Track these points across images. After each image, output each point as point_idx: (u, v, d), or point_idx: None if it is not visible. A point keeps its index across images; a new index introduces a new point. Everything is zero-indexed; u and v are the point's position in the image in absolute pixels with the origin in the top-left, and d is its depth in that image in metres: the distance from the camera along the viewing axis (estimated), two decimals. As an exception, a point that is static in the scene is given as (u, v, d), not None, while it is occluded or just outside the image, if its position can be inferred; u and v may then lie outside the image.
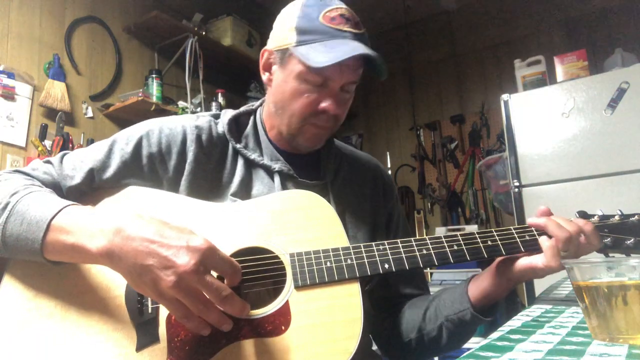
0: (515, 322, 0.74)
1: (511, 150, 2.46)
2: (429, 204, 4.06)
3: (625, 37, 3.33)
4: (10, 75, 2.29)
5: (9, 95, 2.28)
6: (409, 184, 4.19)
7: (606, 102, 2.27)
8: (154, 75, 2.87)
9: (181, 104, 2.93)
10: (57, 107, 2.45)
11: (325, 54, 0.82)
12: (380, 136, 4.40)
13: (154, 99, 2.78)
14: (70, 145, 2.48)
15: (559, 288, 1.17)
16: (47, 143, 2.38)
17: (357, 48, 0.83)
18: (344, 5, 0.88)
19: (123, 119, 2.76)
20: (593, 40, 3.44)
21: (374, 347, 0.99)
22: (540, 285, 2.23)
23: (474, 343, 0.64)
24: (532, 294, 2.29)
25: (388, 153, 4.33)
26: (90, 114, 2.67)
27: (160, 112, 2.70)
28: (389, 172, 4.23)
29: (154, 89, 2.84)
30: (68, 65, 2.59)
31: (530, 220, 0.79)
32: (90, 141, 2.58)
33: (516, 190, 2.41)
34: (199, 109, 2.99)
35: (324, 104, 0.87)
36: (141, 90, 2.74)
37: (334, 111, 0.87)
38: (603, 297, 0.56)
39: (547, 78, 2.59)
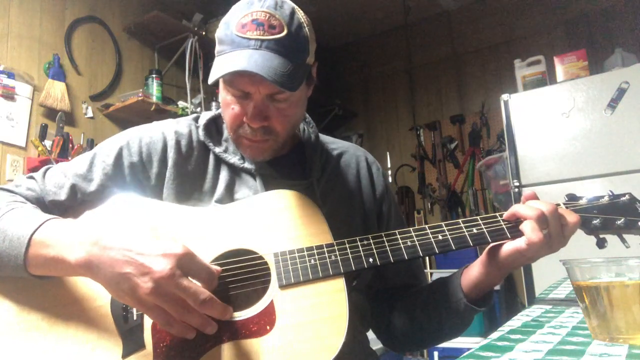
0: (515, 322, 0.74)
1: (511, 150, 2.46)
2: (429, 204, 4.06)
3: (625, 37, 3.33)
4: (10, 75, 2.29)
5: (9, 95, 2.28)
6: (409, 184, 4.19)
7: (606, 102, 2.27)
8: (154, 75, 2.87)
9: (181, 104, 2.93)
10: (57, 107, 2.45)
11: (218, 69, 0.79)
12: (380, 136, 4.40)
13: (154, 99, 2.78)
14: (71, 145, 2.48)
15: (559, 288, 1.17)
16: (47, 143, 2.38)
17: (244, 63, 0.76)
18: (264, 8, 0.80)
19: (123, 119, 2.76)
20: (593, 40, 3.44)
21: (375, 347, 0.99)
22: (540, 285, 2.23)
23: (474, 343, 0.64)
24: (532, 294, 2.29)
25: (388, 153, 4.33)
26: (90, 114, 2.67)
27: (160, 112, 2.70)
28: (389, 172, 4.24)
29: (154, 89, 2.84)
30: (68, 65, 2.59)
31: (505, 213, 0.78)
32: (90, 141, 2.58)
33: (516, 190, 2.41)
34: (199, 109, 3.00)
35: (245, 117, 0.83)
36: (141, 90, 2.74)
37: (251, 123, 0.82)
38: (603, 297, 0.56)
39: (547, 78, 2.59)
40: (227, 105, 0.85)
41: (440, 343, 0.97)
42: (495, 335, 0.64)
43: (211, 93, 3.19)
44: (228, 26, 0.82)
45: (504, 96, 2.52)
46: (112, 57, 2.85)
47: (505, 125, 2.50)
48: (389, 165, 4.30)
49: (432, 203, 4.05)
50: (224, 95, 0.85)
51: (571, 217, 0.74)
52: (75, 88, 2.62)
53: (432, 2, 3.98)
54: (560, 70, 2.53)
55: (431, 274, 3.22)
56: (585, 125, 2.31)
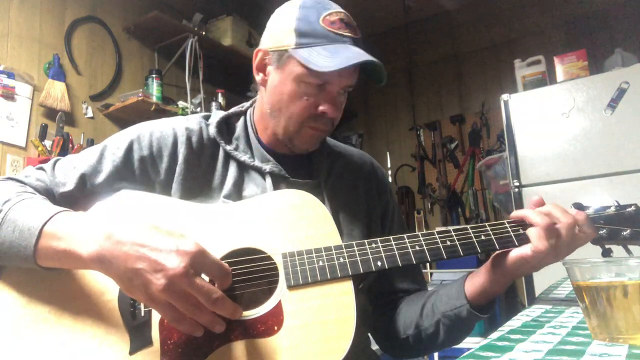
0: (515, 322, 0.74)
1: (511, 150, 2.46)
2: (429, 204, 4.06)
3: (625, 37, 3.33)
4: (10, 75, 2.29)
5: (9, 95, 2.28)
6: (409, 184, 4.19)
7: (606, 102, 2.27)
8: (154, 75, 2.87)
9: (181, 104, 2.93)
10: (57, 107, 2.45)
11: (329, 59, 0.82)
12: (380, 136, 4.40)
13: (154, 99, 2.78)
14: (71, 145, 2.48)
15: (559, 288, 1.17)
16: (47, 143, 2.38)
17: (360, 54, 0.84)
18: (342, 10, 0.89)
19: (123, 119, 2.76)
20: (593, 40, 3.44)
21: (374, 347, 0.99)
22: (540, 285, 2.23)
23: (474, 343, 0.64)
24: (532, 294, 2.29)
25: (388, 153, 4.33)
26: (90, 114, 2.67)
27: (160, 112, 2.70)
28: (389, 172, 4.24)
29: (154, 89, 2.84)
30: (68, 65, 2.59)
31: (512, 214, 0.78)
32: (90, 141, 2.58)
33: (516, 190, 2.41)
34: (199, 109, 2.99)
35: (322, 107, 0.87)
36: (141, 90, 2.74)
37: (332, 114, 0.88)
38: (603, 297, 0.56)
39: (547, 78, 2.59)
40: (299, 97, 0.87)
41: (439, 350, 0.97)
42: (495, 335, 0.64)
43: (211, 93, 3.19)
44: (310, 22, 0.86)
45: (504, 96, 2.52)
46: (112, 57, 2.84)
47: (505, 125, 2.50)
48: (389, 165, 4.30)
49: (432, 203, 4.05)
50: (292, 87, 0.87)
51: (589, 229, 0.75)
52: (75, 88, 2.61)
53: (432, 2, 3.98)
54: (560, 70, 2.53)
55: (431, 274, 3.22)
56: (585, 125, 2.31)
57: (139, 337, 0.70)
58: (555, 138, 2.36)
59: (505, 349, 0.56)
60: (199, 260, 0.63)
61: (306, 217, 0.80)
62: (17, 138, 2.31)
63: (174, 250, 0.62)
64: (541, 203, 0.78)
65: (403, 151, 4.26)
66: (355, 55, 0.84)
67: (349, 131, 4.46)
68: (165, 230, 0.65)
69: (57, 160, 0.90)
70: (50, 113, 2.45)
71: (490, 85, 3.87)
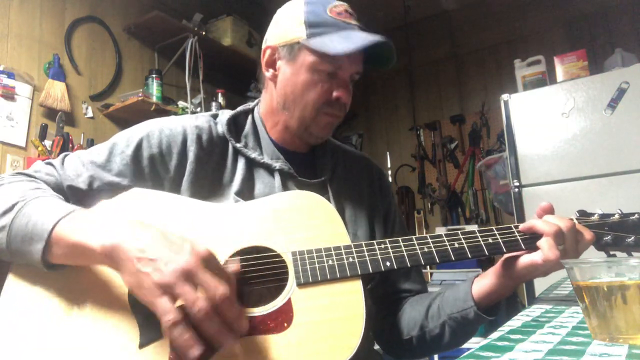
0: (515, 322, 0.73)
1: (511, 150, 2.46)
2: (429, 204, 4.06)
3: (625, 37, 3.33)
4: (10, 75, 2.29)
5: (9, 95, 2.28)
6: (409, 184, 4.19)
7: (606, 102, 2.27)
8: (154, 75, 2.87)
9: (181, 104, 2.93)
10: (57, 107, 2.45)
11: (343, 43, 0.86)
12: (380, 136, 4.40)
13: (154, 99, 2.78)
14: (71, 145, 2.48)
15: (559, 288, 1.17)
16: (47, 143, 2.38)
17: (372, 36, 0.87)
18: (344, 2, 0.94)
19: (123, 119, 2.76)
20: (593, 40, 3.44)
21: (376, 347, 0.99)
22: (540, 285, 2.23)
23: (474, 343, 0.64)
24: (532, 294, 2.29)
25: (388, 153, 4.33)
26: (90, 114, 2.67)
27: (160, 112, 2.70)
28: (389, 172, 4.24)
29: (154, 89, 2.83)
30: (68, 65, 2.59)
31: (522, 225, 0.79)
32: (90, 141, 2.58)
33: (516, 190, 2.41)
34: (199, 109, 2.99)
35: (336, 93, 0.90)
36: (141, 90, 2.74)
37: (345, 99, 0.91)
38: (603, 297, 0.56)
39: (547, 78, 2.59)
40: (314, 84, 0.90)
41: (442, 351, 0.98)
42: (495, 335, 0.64)
43: (211, 93, 3.19)
44: (318, 13, 0.90)
45: (504, 96, 2.52)
46: (112, 57, 2.84)
47: (505, 125, 2.50)
48: (389, 165, 4.30)
49: (432, 203, 4.05)
50: (306, 76, 0.90)
51: (587, 234, 0.76)
52: (75, 88, 2.61)
53: (432, 2, 3.98)
54: (560, 70, 2.53)
55: (431, 274, 3.22)
56: (585, 125, 2.31)
57: (148, 331, 0.70)
58: (555, 138, 2.36)
59: (505, 349, 0.56)
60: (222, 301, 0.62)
61: (316, 217, 0.81)
62: (17, 138, 2.31)
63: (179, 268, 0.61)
64: (550, 208, 0.79)
65: (403, 151, 4.26)
66: (368, 37, 0.87)
67: (349, 131, 4.46)
68: (174, 241, 0.64)
69: (66, 155, 0.90)
70: (50, 113, 2.45)
71: (490, 85, 3.87)
